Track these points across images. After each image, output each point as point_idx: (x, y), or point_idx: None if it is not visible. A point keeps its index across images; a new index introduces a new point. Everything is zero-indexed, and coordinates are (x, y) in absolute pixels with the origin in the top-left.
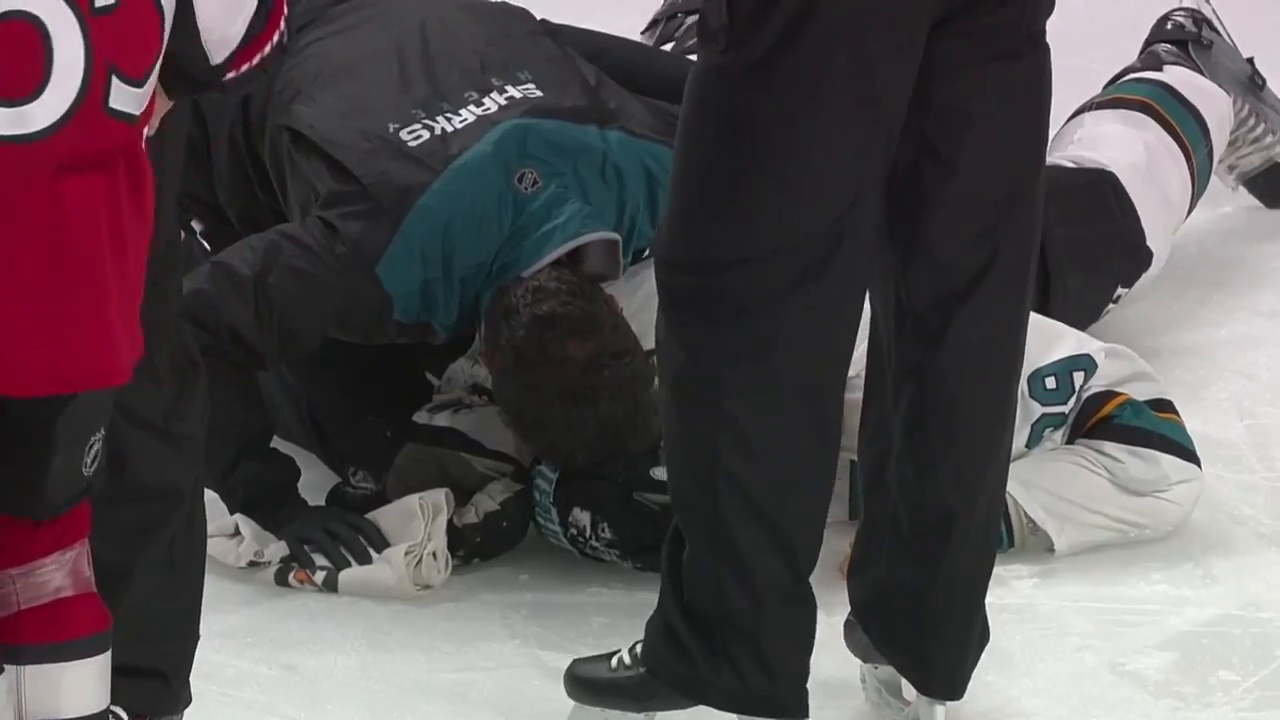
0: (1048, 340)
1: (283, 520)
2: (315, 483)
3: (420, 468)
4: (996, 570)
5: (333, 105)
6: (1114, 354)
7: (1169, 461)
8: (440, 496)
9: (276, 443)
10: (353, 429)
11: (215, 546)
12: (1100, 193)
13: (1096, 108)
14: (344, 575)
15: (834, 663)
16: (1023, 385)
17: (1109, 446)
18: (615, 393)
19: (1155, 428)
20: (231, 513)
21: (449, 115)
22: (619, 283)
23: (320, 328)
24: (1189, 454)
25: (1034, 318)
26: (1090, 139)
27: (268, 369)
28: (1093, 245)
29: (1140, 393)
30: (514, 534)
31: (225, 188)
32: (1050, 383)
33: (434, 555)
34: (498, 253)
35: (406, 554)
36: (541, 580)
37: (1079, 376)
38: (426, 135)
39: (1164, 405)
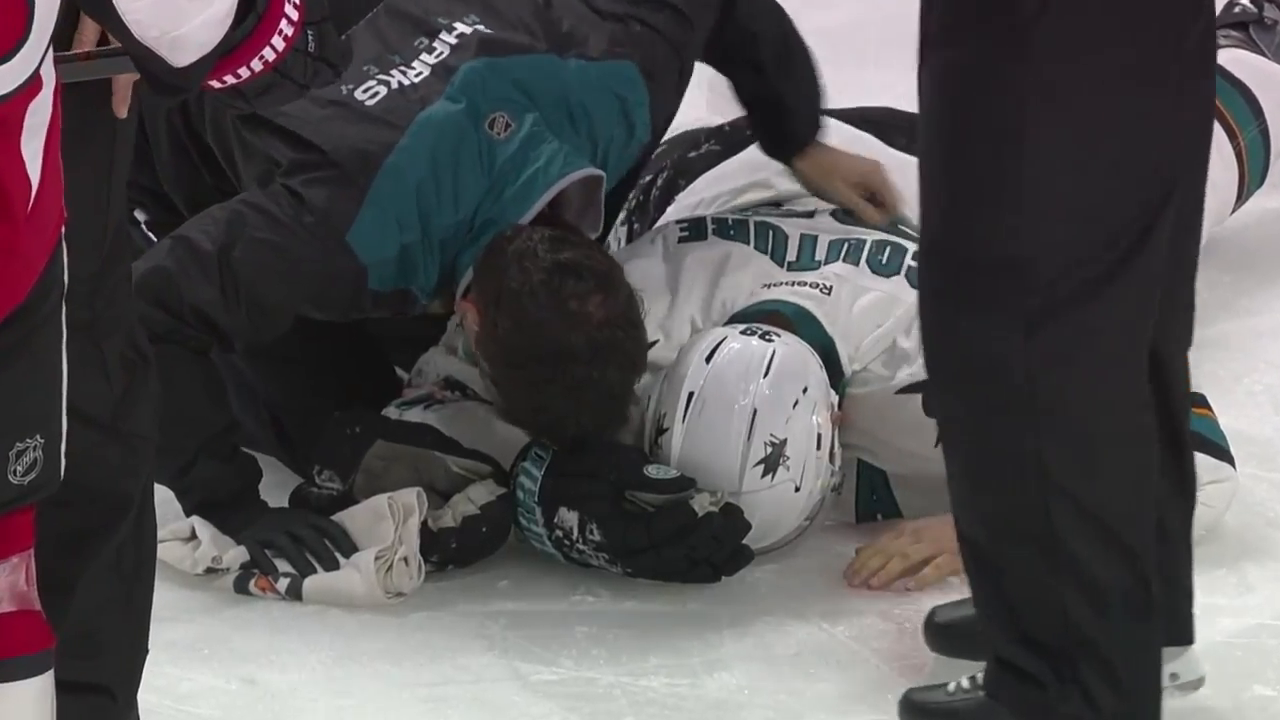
0: None
1: (242, 523)
2: (278, 483)
3: (391, 467)
4: None
5: None
6: None
7: (1201, 460)
8: (412, 497)
9: None
10: (317, 425)
11: (169, 551)
12: None
13: None
14: (309, 582)
15: (840, 677)
16: None
17: None
18: (622, 362)
19: None
20: (187, 514)
21: (403, 69)
22: None
23: (292, 304)
24: (1222, 452)
25: None
26: None
27: (235, 350)
28: None
29: None
30: (493, 540)
31: (168, 174)
32: None
33: (405, 560)
34: (478, 208)
35: (376, 559)
36: (522, 587)
37: None
38: (384, 91)
39: (1196, 399)
